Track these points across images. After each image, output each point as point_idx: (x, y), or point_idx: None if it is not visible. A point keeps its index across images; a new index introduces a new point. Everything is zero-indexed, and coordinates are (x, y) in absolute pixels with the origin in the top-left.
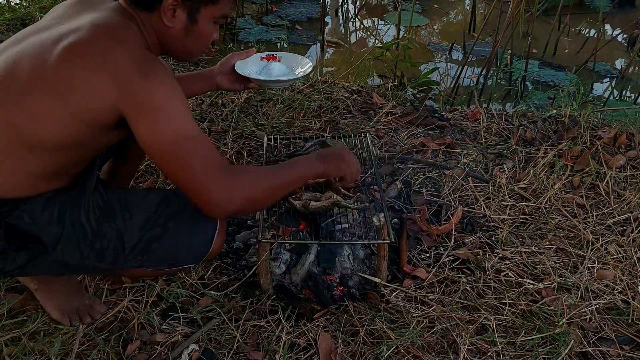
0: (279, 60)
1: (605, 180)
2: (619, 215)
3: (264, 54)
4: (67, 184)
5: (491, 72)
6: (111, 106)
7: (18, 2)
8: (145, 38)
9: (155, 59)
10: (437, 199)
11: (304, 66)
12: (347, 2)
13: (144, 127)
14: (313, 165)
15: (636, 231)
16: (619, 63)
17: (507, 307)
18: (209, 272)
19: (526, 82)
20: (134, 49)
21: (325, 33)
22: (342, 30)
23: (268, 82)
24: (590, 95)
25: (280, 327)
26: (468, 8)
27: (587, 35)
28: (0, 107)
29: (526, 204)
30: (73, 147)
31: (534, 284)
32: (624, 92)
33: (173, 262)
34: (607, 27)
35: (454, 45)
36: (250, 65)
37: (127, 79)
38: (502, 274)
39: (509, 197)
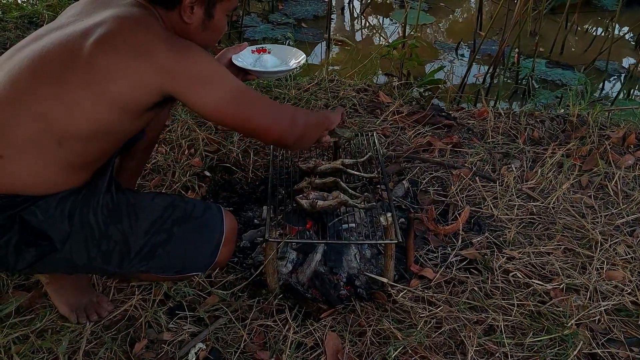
0: (269, 53)
1: (614, 180)
2: (627, 216)
3: (254, 47)
4: (84, 182)
5: (498, 70)
6: (155, 90)
7: (25, 0)
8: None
9: (179, 37)
10: (444, 199)
11: (297, 57)
12: (353, 0)
13: (200, 98)
14: (330, 116)
15: None
16: (626, 62)
17: (515, 308)
18: (216, 271)
19: (533, 81)
20: (160, 32)
21: (331, 31)
22: (348, 28)
23: (267, 74)
24: (596, 94)
25: (287, 327)
26: (474, 6)
27: (595, 33)
28: (29, 98)
29: (534, 203)
30: (102, 135)
31: (542, 285)
32: (632, 91)
33: (180, 270)
34: (615, 25)
35: (461, 43)
36: (244, 59)
37: (165, 61)
38: (510, 274)
39: (517, 197)
